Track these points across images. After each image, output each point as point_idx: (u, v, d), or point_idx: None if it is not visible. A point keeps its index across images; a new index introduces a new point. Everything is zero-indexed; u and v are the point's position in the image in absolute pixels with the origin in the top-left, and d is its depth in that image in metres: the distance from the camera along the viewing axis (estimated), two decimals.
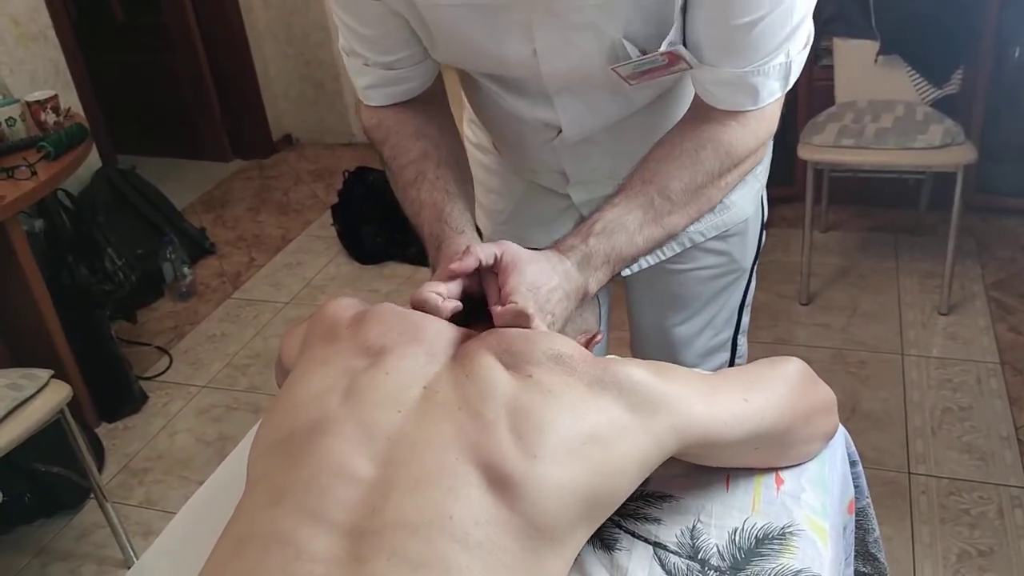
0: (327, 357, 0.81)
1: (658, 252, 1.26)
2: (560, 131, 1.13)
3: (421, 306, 0.87)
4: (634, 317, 1.46)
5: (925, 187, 2.98)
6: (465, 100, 1.33)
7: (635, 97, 1.09)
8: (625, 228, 0.94)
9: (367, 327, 0.83)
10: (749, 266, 1.36)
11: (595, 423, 0.71)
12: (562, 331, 0.91)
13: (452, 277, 0.89)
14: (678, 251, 1.29)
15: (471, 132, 1.40)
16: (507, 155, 1.33)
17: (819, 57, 2.89)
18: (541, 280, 0.88)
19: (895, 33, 2.63)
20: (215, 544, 0.73)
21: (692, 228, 1.17)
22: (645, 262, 1.25)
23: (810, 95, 2.94)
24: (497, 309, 0.86)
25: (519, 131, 1.19)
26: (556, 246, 0.94)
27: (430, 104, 1.13)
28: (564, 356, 0.76)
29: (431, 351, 0.80)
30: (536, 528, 0.67)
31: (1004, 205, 3.04)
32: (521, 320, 0.84)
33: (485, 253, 0.89)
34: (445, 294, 0.88)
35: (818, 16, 2.89)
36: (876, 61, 2.67)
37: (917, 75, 2.67)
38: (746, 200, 1.28)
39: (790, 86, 0.98)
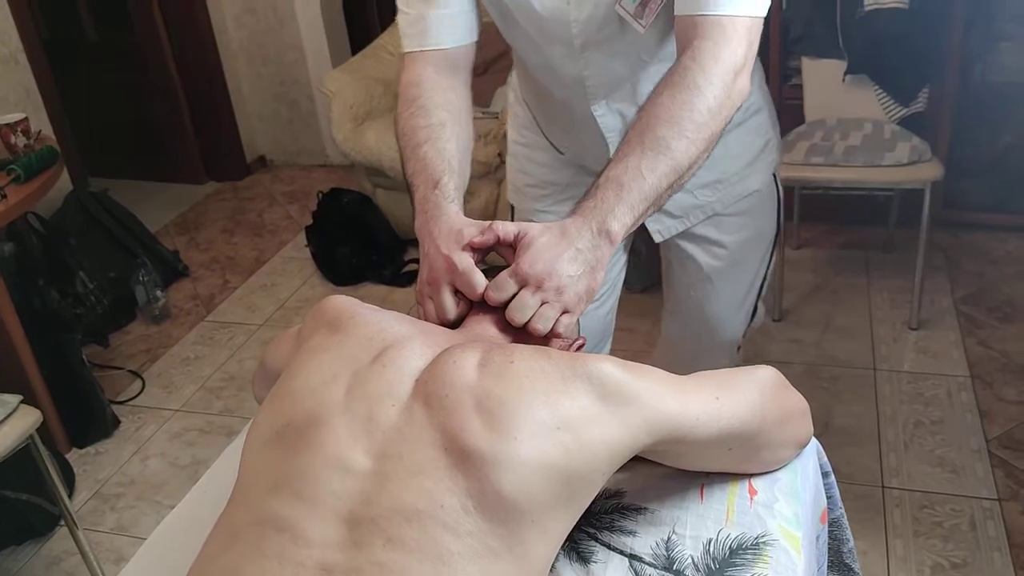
0: (328, 347, 0.84)
1: (684, 219, 1.48)
2: (586, 87, 1.30)
3: (466, 276, 0.96)
4: (670, 301, 1.67)
5: (894, 204, 3.03)
6: (519, 112, 1.56)
7: (645, 47, 1.24)
8: (627, 168, 0.99)
9: (368, 320, 0.86)
10: (771, 241, 1.57)
11: (567, 410, 0.74)
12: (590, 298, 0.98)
13: (471, 249, 0.98)
14: (702, 218, 1.48)
15: (520, 135, 1.58)
16: (555, 134, 1.50)
17: (788, 76, 2.94)
18: (556, 261, 0.94)
19: (862, 53, 2.67)
20: (207, 538, 0.75)
21: (712, 198, 1.43)
22: (671, 225, 1.49)
23: (780, 114, 2.97)
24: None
25: (562, 98, 1.36)
26: (572, 210, 1.01)
27: (460, 82, 1.23)
28: (544, 349, 0.80)
29: (426, 344, 0.82)
30: (518, 512, 0.70)
31: (972, 220, 3.09)
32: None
33: (504, 230, 0.97)
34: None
35: (786, 36, 2.96)
36: (844, 80, 2.72)
37: (884, 94, 2.71)
38: (759, 171, 1.48)
39: (756, 7, 1.06)
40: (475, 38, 1.25)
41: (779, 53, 2.89)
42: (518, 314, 0.93)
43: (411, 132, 1.14)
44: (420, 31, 1.21)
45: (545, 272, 0.93)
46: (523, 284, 0.94)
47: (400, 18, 1.24)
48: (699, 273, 1.55)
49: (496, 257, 1.02)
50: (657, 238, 1.52)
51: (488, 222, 1.00)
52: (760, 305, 1.65)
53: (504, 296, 0.94)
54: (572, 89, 1.32)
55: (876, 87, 2.72)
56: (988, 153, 2.97)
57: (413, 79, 1.20)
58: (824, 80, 2.78)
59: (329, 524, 0.70)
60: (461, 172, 1.11)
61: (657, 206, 1.01)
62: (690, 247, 1.53)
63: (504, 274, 0.95)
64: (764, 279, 1.62)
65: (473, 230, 0.99)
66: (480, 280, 0.96)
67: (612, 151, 1.35)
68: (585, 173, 1.46)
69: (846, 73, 2.71)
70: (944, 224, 3.04)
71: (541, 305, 0.93)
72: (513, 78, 1.56)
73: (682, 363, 1.71)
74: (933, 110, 2.77)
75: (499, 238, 0.97)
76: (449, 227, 1.01)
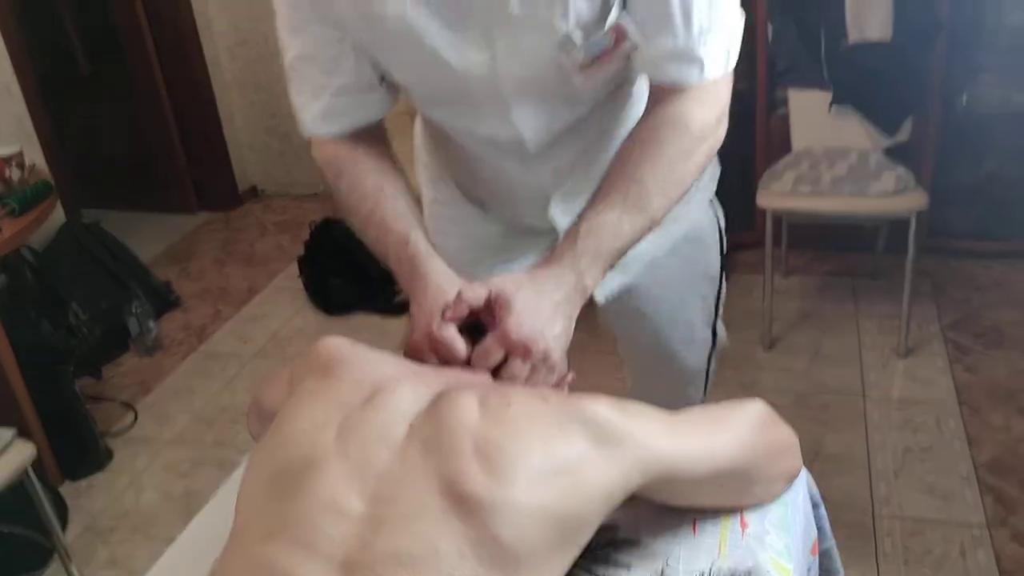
0: (319, 391, 0.84)
1: (623, 273, 1.33)
2: (524, 144, 1.18)
3: (446, 347, 0.94)
4: (623, 342, 1.59)
5: (881, 231, 3.06)
6: (428, 161, 1.42)
7: (587, 98, 1.15)
8: (607, 223, 0.99)
9: (361, 364, 0.86)
10: (717, 272, 1.45)
11: (564, 454, 0.74)
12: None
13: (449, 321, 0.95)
14: (639, 267, 1.34)
15: (436, 189, 1.44)
16: (479, 192, 1.38)
17: (775, 107, 2.98)
18: (539, 322, 0.93)
19: (846, 84, 2.72)
20: None
21: (652, 243, 1.21)
22: (614, 283, 1.33)
23: (767, 143, 3.02)
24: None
25: (490, 158, 1.24)
26: (546, 258, 0.99)
27: (377, 145, 1.19)
28: (539, 391, 0.82)
29: (418, 386, 0.83)
30: (515, 557, 0.70)
31: (958, 247, 3.13)
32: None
33: (475, 296, 0.95)
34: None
35: (773, 68, 3.00)
36: (830, 110, 2.76)
37: (869, 124, 2.76)
38: (695, 209, 1.35)
39: (732, 63, 1.05)
40: (383, 113, 1.18)
41: (766, 84, 2.93)
42: (510, 383, 0.94)
43: (356, 206, 1.12)
44: (326, 116, 1.16)
45: (531, 338, 0.92)
46: (510, 350, 0.93)
47: (295, 100, 1.18)
48: (644, 326, 1.47)
49: None
50: (600, 300, 1.34)
51: (458, 288, 0.98)
52: (720, 326, 1.55)
53: (492, 363, 0.94)
54: (505, 148, 1.19)
55: (861, 117, 2.76)
56: (972, 182, 3.01)
57: (329, 156, 1.17)
58: (810, 110, 2.82)
59: (324, 569, 0.69)
60: (420, 220, 1.11)
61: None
62: (629, 300, 1.41)
63: (490, 340, 0.94)
64: (717, 307, 1.51)
65: (455, 291, 0.97)
66: (460, 349, 0.94)
67: (553, 208, 1.28)
68: (519, 232, 1.38)
69: (831, 104, 2.75)
70: (930, 251, 3.08)
71: (532, 370, 0.93)
72: (418, 126, 1.43)
73: (654, 391, 1.67)
74: (917, 139, 2.81)
75: (471, 307, 0.95)
76: (435, 287, 1.00)
